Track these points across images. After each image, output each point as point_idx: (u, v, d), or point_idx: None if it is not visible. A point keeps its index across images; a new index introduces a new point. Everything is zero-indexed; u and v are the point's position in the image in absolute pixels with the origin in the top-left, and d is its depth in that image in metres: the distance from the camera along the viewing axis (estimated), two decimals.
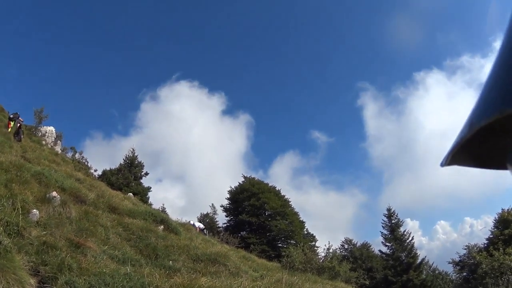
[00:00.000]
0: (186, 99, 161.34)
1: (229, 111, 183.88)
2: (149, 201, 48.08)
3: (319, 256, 36.98)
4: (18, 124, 30.58)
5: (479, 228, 75.77)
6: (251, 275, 15.38)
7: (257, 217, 57.77)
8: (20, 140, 28.52)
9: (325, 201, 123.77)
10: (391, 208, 54.74)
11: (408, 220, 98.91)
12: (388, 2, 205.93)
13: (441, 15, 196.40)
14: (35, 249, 8.99)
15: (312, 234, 64.08)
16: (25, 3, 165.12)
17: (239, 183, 63.40)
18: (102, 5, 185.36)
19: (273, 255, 46.65)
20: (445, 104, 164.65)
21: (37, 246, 9.17)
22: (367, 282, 42.94)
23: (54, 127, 43.98)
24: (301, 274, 19.93)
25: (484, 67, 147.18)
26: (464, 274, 44.51)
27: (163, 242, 15.12)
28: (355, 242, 60.84)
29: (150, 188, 54.83)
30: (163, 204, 55.50)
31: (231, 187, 63.53)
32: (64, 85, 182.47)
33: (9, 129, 30.65)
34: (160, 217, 19.17)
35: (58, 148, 42.38)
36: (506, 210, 46.71)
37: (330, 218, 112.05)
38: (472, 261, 41.66)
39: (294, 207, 62.96)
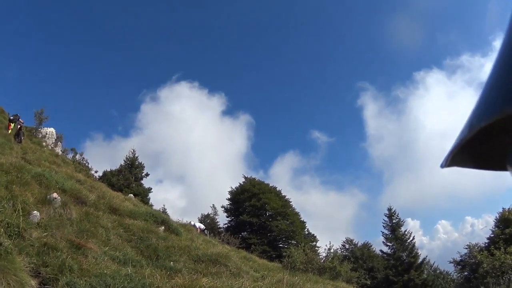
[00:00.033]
0: (186, 100, 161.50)
1: (229, 111, 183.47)
2: (149, 202, 48.11)
3: (320, 256, 37.04)
4: (19, 126, 30.56)
5: (480, 227, 75.70)
6: (252, 275, 15.37)
7: (258, 218, 57.72)
8: (20, 142, 28.49)
9: (325, 201, 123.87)
10: (391, 208, 54.70)
11: (409, 219, 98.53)
12: (388, 2, 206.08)
13: (441, 14, 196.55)
14: (35, 251, 8.99)
15: (313, 234, 64.07)
16: (25, 3, 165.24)
17: (240, 183, 63.45)
18: (102, 5, 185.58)
19: (274, 256, 46.65)
20: (445, 104, 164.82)
21: (37, 248, 9.17)
22: (368, 282, 42.96)
23: (55, 129, 44.14)
24: (302, 274, 19.91)
25: (484, 66, 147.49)
26: (465, 273, 44.42)
27: (164, 243, 15.11)
28: (356, 242, 60.82)
29: (151, 189, 54.87)
30: (163, 205, 55.57)
31: (231, 187, 63.57)
32: (64, 86, 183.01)
33: (10, 131, 30.65)
34: (161, 218, 19.16)
35: (58, 150, 42.43)
36: (507, 209, 46.64)
37: (330, 218, 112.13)
38: (473, 261, 41.58)
39: (295, 208, 63.05)
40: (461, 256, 45.79)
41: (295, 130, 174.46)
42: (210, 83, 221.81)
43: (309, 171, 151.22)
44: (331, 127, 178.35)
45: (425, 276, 50.34)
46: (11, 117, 32.62)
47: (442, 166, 0.82)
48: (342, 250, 56.10)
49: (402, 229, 53.55)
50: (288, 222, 58.05)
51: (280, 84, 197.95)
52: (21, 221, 9.58)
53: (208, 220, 59.07)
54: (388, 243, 53.18)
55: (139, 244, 13.96)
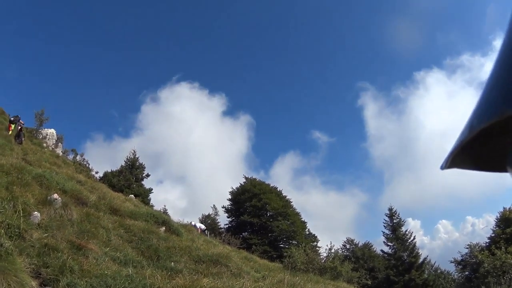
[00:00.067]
0: (186, 101, 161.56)
1: (230, 112, 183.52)
2: (150, 202, 48.12)
3: (321, 257, 37.06)
4: (19, 127, 30.62)
5: (481, 227, 75.55)
6: (253, 275, 15.36)
7: (258, 218, 57.74)
8: (21, 143, 28.52)
9: (326, 201, 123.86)
10: (392, 207, 54.67)
11: (409, 219, 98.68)
12: (388, 2, 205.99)
13: (441, 14, 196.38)
14: (36, 252, 8.99)
15: (314, 235, 64.06)
16: (25, 3, 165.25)
17: (240, 184, 63.51)
18: (102, 5, 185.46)
19: (275, 256, 46.64)
20: (445, 103, 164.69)
21: (38, 248, 9.18)
22: (369, 282, 43.00)
23: (55, 130, 44.14)
24: (303, 275, 19.89)
25: (484, 65, 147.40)
26: (466, 273, 44.41)
27: (164, 244, 15.10)
28: (357, 242, 60.82)
29: (152, 189, 54.87)
30: (164, 206, 55.56)
31: (232, 188, 63.63)
32: (64, 86, 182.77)
33: (10, 132, 30.70)
34: (162, 219, 19.16)
35: (59, 151, 42.46)
36: (508, 208, 46.62)
37: (331, 218, 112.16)
38: (474, 260, 41.57)
39: (296, 208, 63.04)
40: (462, 256, 45.80)
41: (296, 130, 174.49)
42: (210, 84, 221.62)
43: (309, 171, 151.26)
44: (332, 127, 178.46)
45: (426, 276, 50.33)
46: (12, 118, 32.67)
47: (442, 167, 0.82)
48: (343, 250, 56.16)
49: (403, 229, 53.58)
50: (289, 222, 58.05)
51: (280, 84, 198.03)
52: (21, 222, 9.58)
53: (209, 221, 59.07)
54: (389, 243, 53.16)
55: (140, 244, 13.95)
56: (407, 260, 50.63)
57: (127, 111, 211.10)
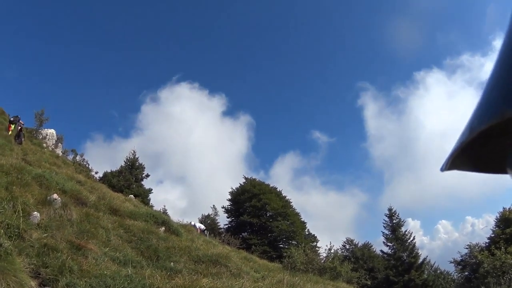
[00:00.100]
0: (186, 101, 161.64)
1: (230, 112, 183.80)
2: (150, 202, 48.15)
3: (321, 257, 37.01)
4: (19, 127, 30.63)
5: (481, 227, 75.69)
6: (252, 276, 15.37)
7: (258, 218, 57.73)
8: (21, 143, 28.52)
9: (325, 202, 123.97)
10: (392, 208, 54.69)
11: (409, 220, 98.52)
12: (388, 2, 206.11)
13: (441, 14, 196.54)
14: (35, 252, 9.00)
15: (314, 235, 64.07)
16: (25, 3, 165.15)
17: (240, 184, 63.49)
18: (102, 5, 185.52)
19: (274, 256, 46.65)
20: (445, 103, 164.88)
21: (37, 249, 9.18)
22: (369, 282, 42.91)
23: (55, 130, 44.14)
24: (303, 275, 19.91)
25: (484, 65, 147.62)
26: (466, 273, 44.42)
27: (164, 244, 15.10)
28: (356, 242, 60.84)
29: (151, 190, 54.87)
30: (164, 206, 55.60)
31: (232, 188, 63.60)
32: (64, 86, 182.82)
33: (10, 132, 30.71)
34: (161, 219, 19.16)
35: (59, 151, 42.48)
36: (507, 209, 46.63)
37: (331, 218, 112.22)
38: (473, 261, 41.57)
39: (295, 208, 63.04)
40: (461, 256, 45.80)
41: (296, 130, 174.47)
42: (210, 84, 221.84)
43: (309, 171, 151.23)
44: (332, 127, 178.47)
45: (426, 276, 50.36)
46: (12, 119, 32.70)
47: (442, 169, 0.82)
48: (343, 251, 56.16)
49: (403, 229, 53.62)
50: (288, 223, 58.04)
51: (280, 84, 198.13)
52: (21, 222, 9.58)
53: (209, 221, 59.06)
54: (388, 243, 53.19)
55: (140, 245, 13.96)
56: (407, 261, 50.65)
57: (127, 111, 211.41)
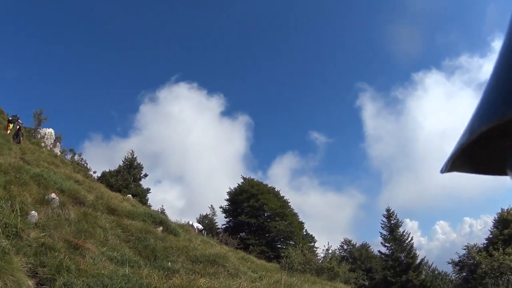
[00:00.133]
0: (185, 101, 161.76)
1: (228, 112, 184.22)
2: (148, 202, 48.19)
3: (318, 257, 37.01)
4: (18, 126, 30.59)
5: (479, 228, 75.94)
6: (250, 276, 15.38)
7: (256, 218, 57.72)
8: (19, 142, 28.52)
9: (324, 202, 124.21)
10: (390, 208, 54.79)
11: (407, 220, 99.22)
12: (387, 3, 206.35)
13: (439, 15, 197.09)
14: (33, 251, 8.99)
15: (311, 235, 64.14)
16: (25, 3, 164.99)
17: (238, 184, 63.42)
18: (101, 5, 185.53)
19: (272, 256, 46.68)
20: (444, 104, 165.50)
21: (35, 248, 9.18)
22: (367, 283, 42.93)
23: (53, 129, 44.06)
24: (300, 275, 19.95)
25: (482, 67, 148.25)
26: (464, 274, 44.54)
27: (162, 244, 15.10)
28: (354, 243, 60.95)
29: (149, 189, 54.98)
30: (162, 206, 55.54)
31: (230, 188, 63.55)
32: (63, 86, 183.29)
33: (8, 131, 30.65)
34: (159, 219, 19.16)
35: (57, 150, 42.39)
36: (505, 210, 46.76)
37: (329, 218, 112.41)
38: (471, 261, 41.68)
39: (293, 208, 63.05)
40: (459, 257, 45.97)
41: (294, 131, 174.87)
42: (209, 84, 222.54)
43: (307, 172, 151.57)
44: (330, 128, 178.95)
45: (423, 277, 50.40)
46: (10, 118, 32.67)
47: (442, 171, 0.82)
48: (340, 251, 56.22)
49: (401, 229, 53.70)
50: (286, 223, 58.02)
51: (279, 85, 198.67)
52: (19, 221, 9.59)
53: (207, 221, 59.14)
54: (386, 244, 53.23)
55: (137, 244, 13.95)
56: (405, 261, 50.70)
57: (125, 111, 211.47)
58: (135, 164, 54.38)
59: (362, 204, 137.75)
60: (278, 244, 57.32)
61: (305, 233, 62.98)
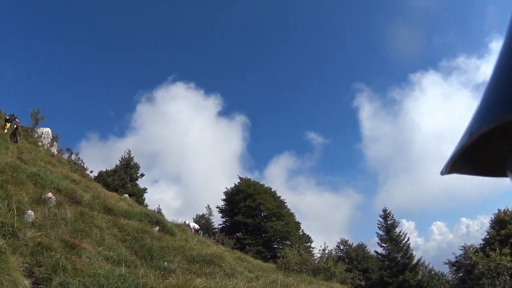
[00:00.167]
0: (182, 101, 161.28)
1: (225, 112, 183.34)
2: (144, 202, 48.19)
3: (315, 257, 37.10)
4: (15, 126, 30.61)
5: (476, 228, 75.74)
6: (246, 276, 15.39)
7: (252, 218, 57.70)
8: (16, 142, 28.48)
9: (320, 202, 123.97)
10: (387, 209, 54.77)
11: (404, 221, 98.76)
12: (385, 4, 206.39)
13: (437, 16, 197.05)
14: (29, 250, 9.00)
15: (308, 235, 64.12)
16: (25, 3, 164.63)
17: (235, 184, 63.35)
18: (99, 5, 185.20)
19: (268, 256, 46.64)
20: (441, 105, 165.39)
21: (32, 247, 9.18)
22: (363, 283, 43.07)
23: (51, 129, 44.08)
24: (297, 275, 19.95)
25: (480, 68, 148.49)
26: (461, 274, 44.61)
27: (158, 243, 15.12)
28: (350, 243, 60.89)
29: (146, 189, 54.94)
30: (158, 205, 55.59)
31: (226, 188, 63.46)
32: (60, 86, 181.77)
33: (5, 131, 30.65)
34: (156, 218, 19.18)
35: (54, 150, 42.42)
36: (502, 210, 46.92)
37: (325, 219, 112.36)
38: (468, 262, 41.72)
39: (290, 208, 63.00)
40: (456, 258, 45.99)
41: (291, 131, 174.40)
42: (206, 84, 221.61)
43: (304, 172, 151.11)
44: (327, 128, 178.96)
45: (420, 277, 50.45)
46: (7, 117, 32.66)
47: (442, 173, 0.81)
48: (337, 251, 56.22)
49: (397, 230, 53.66)
50: (283, 223, 58.02)
51: (276, 85, 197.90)
52: (15, 220, 9.58)
53: (203, 221, 59.07)
54: (383, 244, 53.24)
55: (134, 244, 13.97)
56: (401, 261, 50.73)
57: (122, 110, 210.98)
58: (132, 163, 54.36)
59: (358, 204, 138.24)
60: (275, 244, 57.32)
61: (301, 233, 62.97)
